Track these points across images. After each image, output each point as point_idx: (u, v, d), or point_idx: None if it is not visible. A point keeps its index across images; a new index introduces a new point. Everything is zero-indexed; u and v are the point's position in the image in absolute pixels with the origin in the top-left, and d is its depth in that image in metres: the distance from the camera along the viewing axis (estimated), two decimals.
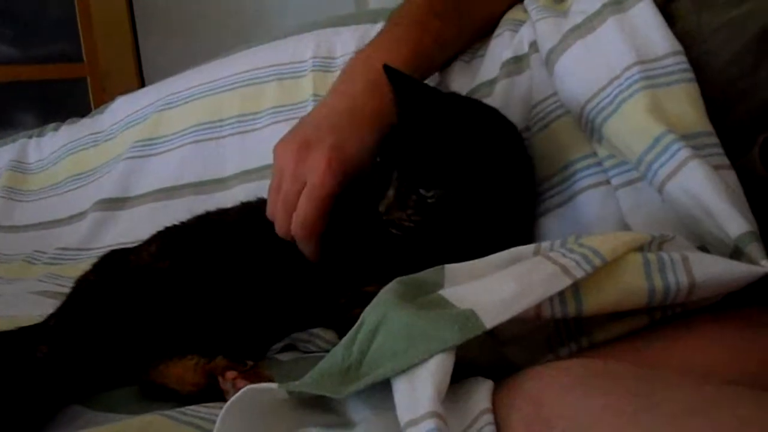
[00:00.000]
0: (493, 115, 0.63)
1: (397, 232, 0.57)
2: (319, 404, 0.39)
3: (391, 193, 0.57)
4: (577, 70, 0.64)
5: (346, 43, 0.98)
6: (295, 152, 0.66)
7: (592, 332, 0.45)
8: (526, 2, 0.79)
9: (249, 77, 1.02)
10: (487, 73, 0.76)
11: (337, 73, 0.95)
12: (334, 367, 0.38)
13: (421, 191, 0.56)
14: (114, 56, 3.00)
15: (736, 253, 0.47)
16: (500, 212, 0.59)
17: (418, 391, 0.34)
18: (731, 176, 0.51)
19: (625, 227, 0.58)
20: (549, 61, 0.68)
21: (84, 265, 0.98)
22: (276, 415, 0.38)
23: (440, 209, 0.56)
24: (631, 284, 0.41)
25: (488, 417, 0.35)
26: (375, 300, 0.41)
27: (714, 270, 0.42)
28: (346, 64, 0.75)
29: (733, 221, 0.47)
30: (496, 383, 0.39)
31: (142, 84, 3.07)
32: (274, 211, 0.67)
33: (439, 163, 0.56)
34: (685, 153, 0.51)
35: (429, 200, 0.56)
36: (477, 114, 0.62)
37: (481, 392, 0.37)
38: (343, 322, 0.46)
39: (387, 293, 0.41)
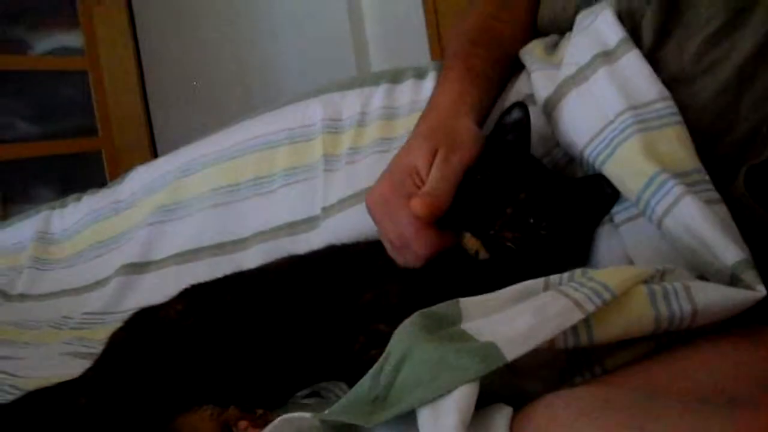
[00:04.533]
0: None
1: (491, 252, 0.63)
2: None
3: (509, 210, 0.63)
4: (573, 118, 0.69)
5: (352, 105, 1.03)
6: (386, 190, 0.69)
7: (603, 360, 0.48)
8: (521, 53, 0.84)
9: (261, 142, 1.07)
10: (485, 128, 0.81)
11: (346, 134, 1.01)
12: (362, 397, 0.41)
13: (531, 221, 0.63)
14: (127, 129, 3.09)
15: (733, 280, 0.51)
16: (573, 244, 0.66)
17: (442, 420, 0.37)
18: (722, 209, 0.55)
19: (629, 261, 0.62)
20: (546, 110, 0.73)
21: (110, 328, 1.02)
22: None
23: (536, 239, 0.63)
24: (638, 313, 0.45)
25: None
26: (399, 332, 0.44)
27: (714, 296, 0.46)
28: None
29: (728, 250, 0.51)
30: (514, 411, 0.42)
31: (155, 155, 3.16)
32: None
33: (551, 201, 0.64)
34: (679, 190, 0.55)
35: (533, 229, 0.63)
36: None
37: (500, 421, 0.40)
38: (360, 365, 0.50)
39: (410, 326, 0.44)
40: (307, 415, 0.41)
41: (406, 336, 0.43)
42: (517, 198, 0.64)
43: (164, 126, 3.21)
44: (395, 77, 1.05)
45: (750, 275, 0.50)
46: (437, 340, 0.42)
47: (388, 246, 0.68)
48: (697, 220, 0.53)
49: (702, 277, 0.53)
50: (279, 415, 0.63)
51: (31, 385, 0.78)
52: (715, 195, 0.57)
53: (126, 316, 0.94)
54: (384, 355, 0.44)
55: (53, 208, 1.38)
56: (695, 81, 0.65)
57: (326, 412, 0.42)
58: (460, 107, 0.74)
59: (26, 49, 2.84)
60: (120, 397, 0.63)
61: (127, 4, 3.25)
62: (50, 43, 2.88)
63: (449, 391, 0.38)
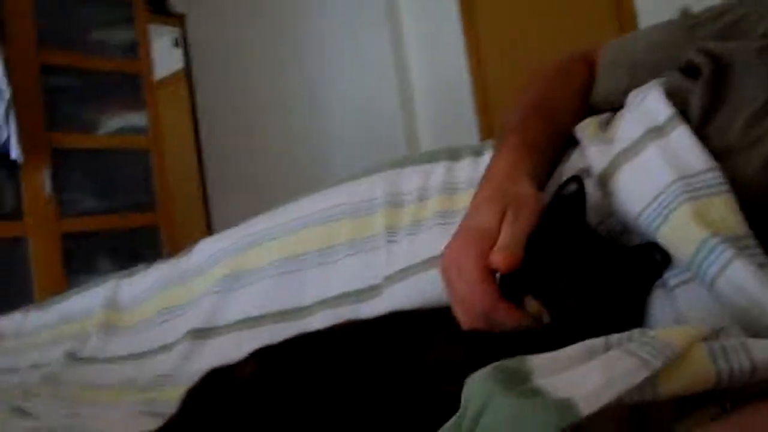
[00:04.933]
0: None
1: (553, 316, 0.66)
2: None
3: (566, 280, 0.67)
4: (627, 189, 0.73)
5: (413, 180, 1.08)
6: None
7: (672, 427, 0.51)
8: (575, 130, 0.88)
9: (324, 216, 1.12)
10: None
11: (407, 209, 1.06)
12: None
13: (587, 286, 0.66)
14: (185, 206, 3.22)
15: None
16: (628, 309, 0.69)
17: None
18: None
19: (683, 323, 0.64)
20: (602, 183, 0.77)
21: (177, 390, 1.07)
22: None
23: (593, 303, 0.66)
24: (700, 369, 0.48)
25: None
26: (474, 384, 0.47)
27: None
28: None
29: None
30: None
31: (210, 231, 3.27)
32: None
33: (606, 268, 0.67)
34: (730, 253, 0.59)
35: (591, 294, 0.66)
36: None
37: None
38: (427, 424, 0.52)
39: (485, 378, 0.47)
40: None
41: (482, 388, 0.46)
42: (576, 264, 0.68)
43: (220, 204, 3.33)
44: (453, 155, 1.10)
45: None
46: (513, 394, 0.45)
47: (457, 307, 0.71)
48: (749, 281, 0.56)
49: (756, 337, 0.56)
50: None
51: None
52: (764, 259, 0.59)
53: (192, 378, 0.99)
54: (462, 405, 0.46)
55: (121, 278, 1.45)
56: (740, 155, 0.69)
57: None
58: (518, 174, 0.78)
59: (94, 129, 3.01)
60: None
61: (189, 87, 3.44)
62: (117, 123, 3.07)
63: None
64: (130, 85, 3.08)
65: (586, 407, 0.44)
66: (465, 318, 0.69)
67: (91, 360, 1.28)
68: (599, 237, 0.73)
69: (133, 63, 3.09)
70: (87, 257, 2.85)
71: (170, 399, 1.02)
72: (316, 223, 1.13)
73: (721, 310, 0.60)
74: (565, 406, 0.43)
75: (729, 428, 0.49)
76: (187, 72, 3.49)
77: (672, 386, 0.47)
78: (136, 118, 3.10)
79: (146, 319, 1.30)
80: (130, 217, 3.01)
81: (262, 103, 3.21)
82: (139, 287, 1.38)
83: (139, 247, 3.02)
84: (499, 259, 0.66)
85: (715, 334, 0.52)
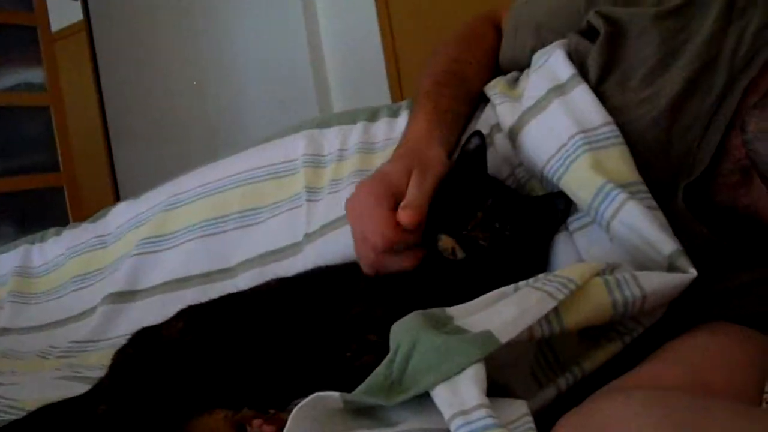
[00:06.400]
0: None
1: (466, 251, 0.71)
2: (364, 414, 0.49)
3: (480, 214, 0.72)
4: (533, 142, 0.80)
5: (333, 141, 1.10)
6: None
7: (580, 362, 0.57)
8: (486, 89, 0.95)
9: (247, 176, 1.13)
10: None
11: (327, 169, 1.08)
12: (378, 383, 0.48)
13: (497, 224, 0.72)
14: (89, 165, 3.11)
15: (670, 268, 0.61)
16: (534, 251, 0.75)
17: (462, 392, 0.44)
18: (659, 214, 0.66)
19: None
20: (511, 137, 0.83)
21: (98, 354, 1.06)
22: (332, 419, 0.48)
23: (503, 240, 0.72)
24: (598, 301, 0.54)
25: (529, 418, 0.45)
26: (401, 327, 0.51)
27: (657, 281, 0.56)
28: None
29: (665, 243, 0.62)
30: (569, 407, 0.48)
31: (116, 191, 3.18)
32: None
33: (513, 210, 0.74)
34: (623, 197, 0.65)
35: (500, 231, 0.72)
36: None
37: (518, 403, 0.47)
38: (352, 371, 0.56)
39: (411, 321, 0.51)
40: (335, 394, 0.47)
41: (410, 330, 0.50)
42: (485, 204, 0.73)
43: (126, 163, 3.23)
44: (371, 116, 1.13)
45: (683, 261, 0.60)
46: (439, 332, 0.49)
47: (357, 244, 0.77)
48: (639, 221, 0.64)
49: (644, 270, 0.63)
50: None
51: (30, 405, 0.81)
52: (653, 203, 0.67)
53: (114, 342, 0.98)
54: (392, 348, 0.50)
55: (32, 243, 1.40)
56: (633, 111, 0.75)
57: (351, 394, 0.48)
58: (431, 140, 0.84)
59: None
60: (138, 402, 0.69)
61: (89, 40, 3.30)
62: (12, 79, 2.91)
63: (462, 370, 0.46)
64: (26, 38, 2.92)
65: (505, 335, 0.49)
66: (362, 255, 0.76)
67: (5, 331, 1.24)
68: (503, 184, 0.80)
69: (28, 15, 2.92)
70: None
71: (93, 364, 1.02)
72: (240, 185, 1.14)
73: (615, 250, 0.67)
74: (485, 337, 0.48)
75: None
76: (87, 23, 3.33)
77: (575, 317, 0.54)
78: (34, 74, 2.95)
79: (62, 285, 1.27)
80: (31, 179, 2.88)
81: (167, 58, 3.11)
82: (52, 252, 1.34)
83: (42, 210, 2.90)
84: (404, 215, 0.72)
85: (609, 269, 0.58)
